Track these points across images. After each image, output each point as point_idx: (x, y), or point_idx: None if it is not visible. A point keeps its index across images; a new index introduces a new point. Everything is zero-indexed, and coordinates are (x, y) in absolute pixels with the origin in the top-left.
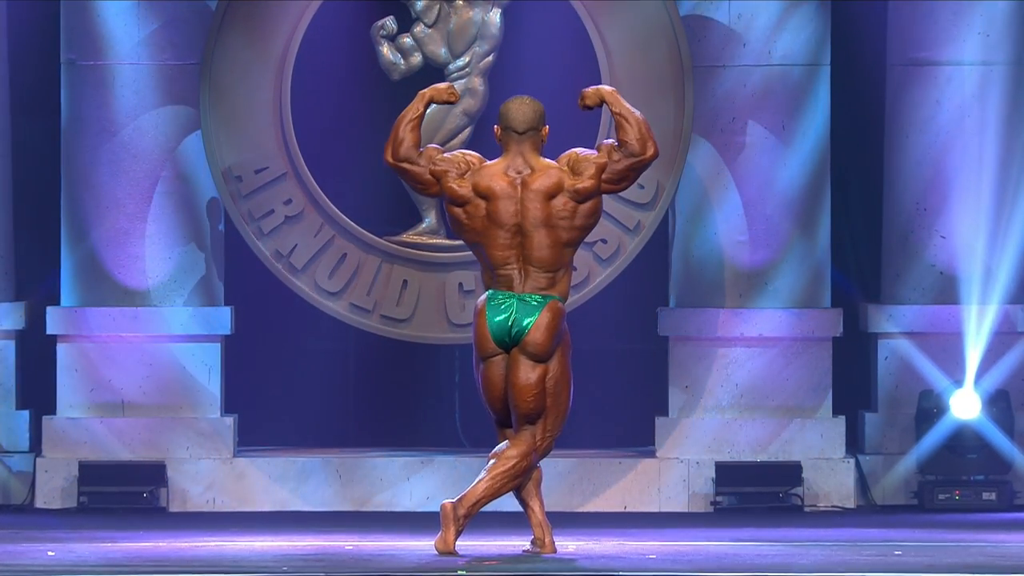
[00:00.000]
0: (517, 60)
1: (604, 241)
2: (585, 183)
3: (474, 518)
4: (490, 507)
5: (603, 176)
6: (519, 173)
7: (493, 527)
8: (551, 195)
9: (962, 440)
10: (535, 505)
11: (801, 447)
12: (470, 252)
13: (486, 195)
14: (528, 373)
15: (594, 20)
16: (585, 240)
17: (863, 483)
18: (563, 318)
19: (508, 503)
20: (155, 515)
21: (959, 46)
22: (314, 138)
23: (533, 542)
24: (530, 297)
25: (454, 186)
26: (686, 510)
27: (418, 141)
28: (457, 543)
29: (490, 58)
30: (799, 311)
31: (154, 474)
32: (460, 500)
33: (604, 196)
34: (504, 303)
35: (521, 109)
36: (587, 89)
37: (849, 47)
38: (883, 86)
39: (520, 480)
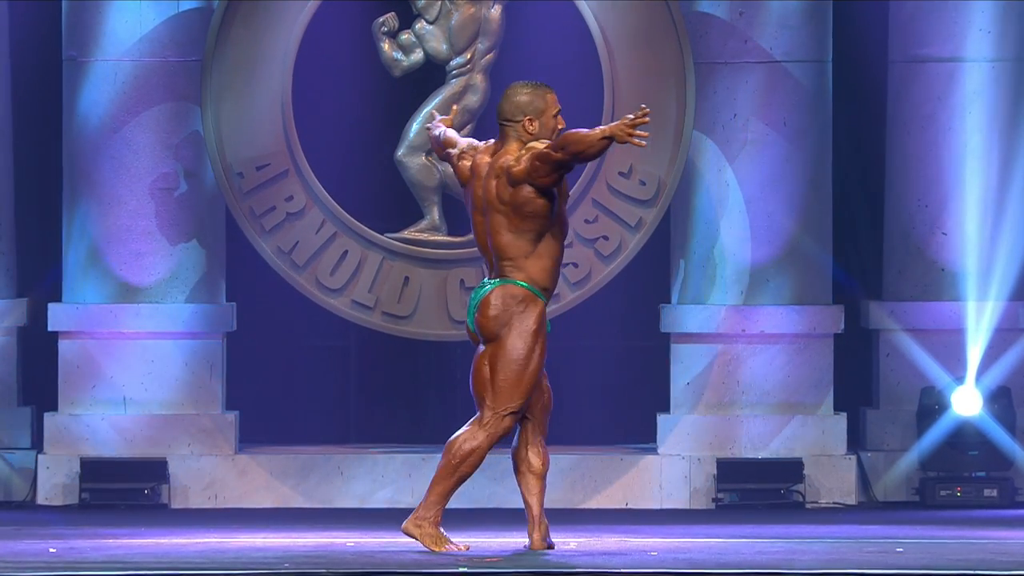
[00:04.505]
0: (519, 57)
1: (606, 238)
2: (518, 166)
3: (475, 514)
4: (491, 503)
5: (530, 164)
6: (491, 157)
7: (494, 523)
8: (495, 176)
9: (963, 437)
10: (531, 500)
11: (803, 444)
12: (471, 249)
13: (468, 176)
14: (476, 355)
15: (596, 16)
16: (586, 237)
17: (864, 480)
18: (516, 299)
19: (511, 499)
20: (157, 512)
21: (961, 43)
22: (315, 135)
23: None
24: (490, 282)
25: (459, 165)
26: (687, 507)
27: (453, 142)
28: (456, 538)
29: (491, 55)
30: (801, 308)
31: (156, 471)
32: (413, 515)
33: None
34: (475, 291)
35: (502, 101)
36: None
37: (851, 44)
38: (885, 83)
39: (465, 465)
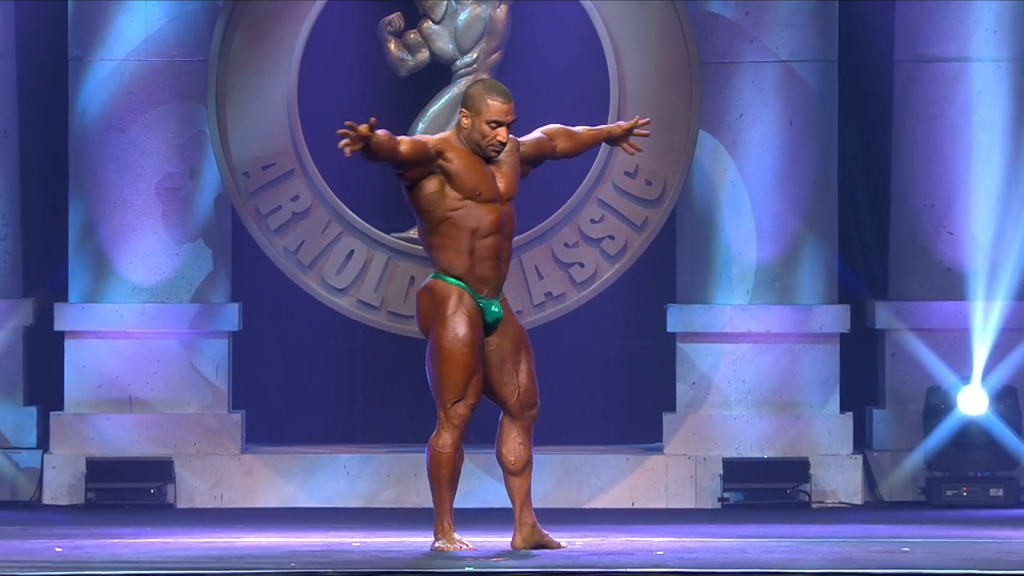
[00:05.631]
0: (525, 57)
1: (611, 238)
2: None
3: (481, 514)
4: (496, 503)
5: None
6: None
7: (499, 523)
8: None
9: (969, 436)
10: (512, 500)
11: (808, 443)
12: None
13: None
14: None
15: (602, 16)
16: (592, 237)
17: (870, 479)
18: (432, 292)
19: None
20: (162, 511)
21: (967, 42)
22: (321, 134)
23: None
24: None
25: None
26: (693, 506)
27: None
28: (464, 537)
29: (498, 55)
30: (807, 307)
31: (161, 470)
32: (438, 536)
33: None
34: None
35: None
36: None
37: (857, 43)
38: (891, 82)
39: (442, 467)
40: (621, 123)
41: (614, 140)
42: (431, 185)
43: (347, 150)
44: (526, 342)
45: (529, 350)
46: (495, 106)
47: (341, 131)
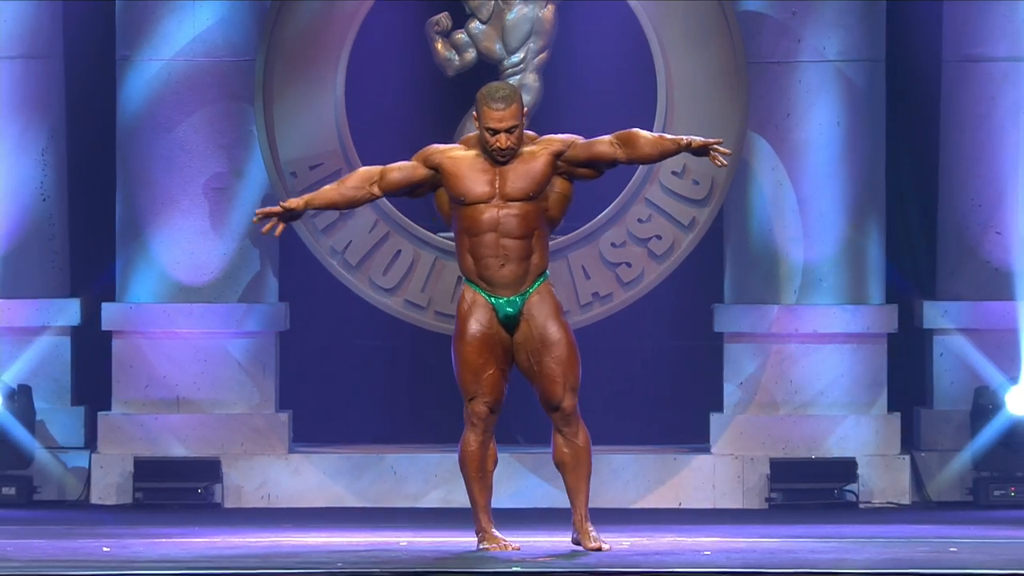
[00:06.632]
0: (572, 56)
1: (659, 237)
2: None
3: (529, 513)
4: (544, 503)
5: None
6: None
7: (548, 522)
8: None
9: (1017, 436)
10: (570, 499)
11: (856, 443)
12: None
13: None
14: None
15: (649, 16)
16: (639, 236)
17: (918, 479)
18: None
19: (564, 498)
20: (210, 511)
21: (1015, 42)
22: (369, 134)
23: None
24: None
25: None
26: (740, 506)
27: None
28: (509, 537)
29: (545, 55)
30: (854, 307)
31: (209, 470)
32: (479, 536)
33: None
34: None
35: None
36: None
37: (904, 43)
38: (938, 82)
39: (467, 465)
40: (695, 138)
41: (699, 152)
42: (440, 193)
43: (276, 231)
44: (552, 340)
45: (556, 348)
46: (488, 113)
47: (256, 219)
